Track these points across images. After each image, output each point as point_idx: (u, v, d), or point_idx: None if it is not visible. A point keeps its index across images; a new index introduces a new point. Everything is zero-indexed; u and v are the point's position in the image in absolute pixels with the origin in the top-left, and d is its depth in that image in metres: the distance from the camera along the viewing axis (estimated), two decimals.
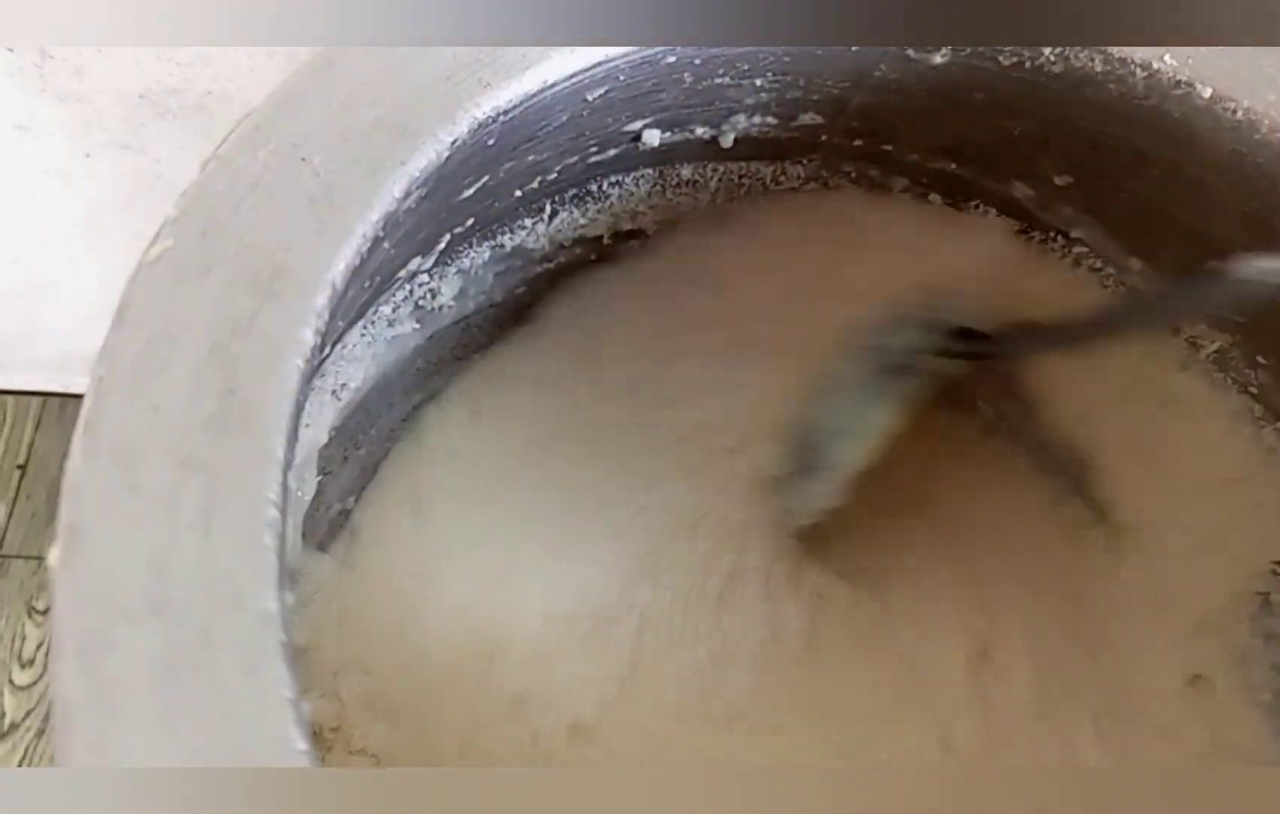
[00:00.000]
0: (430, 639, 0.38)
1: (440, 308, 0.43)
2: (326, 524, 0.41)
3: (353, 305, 0.32)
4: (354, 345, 0.40)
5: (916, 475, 0.47)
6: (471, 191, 0.36)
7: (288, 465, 0.24)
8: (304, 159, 0.27)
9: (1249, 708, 0.44)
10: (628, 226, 0.46)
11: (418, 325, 0.43)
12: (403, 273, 0.38)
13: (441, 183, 0.31)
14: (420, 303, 0.42)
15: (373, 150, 0.29)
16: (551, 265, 0.46)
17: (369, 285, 0.33)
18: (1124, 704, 0.42)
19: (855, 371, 0.42)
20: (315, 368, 0.36)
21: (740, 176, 0.47)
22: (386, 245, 0.29)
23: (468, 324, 0.45)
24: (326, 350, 0.34)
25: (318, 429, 0.40)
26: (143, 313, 0.24)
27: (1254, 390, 0.44)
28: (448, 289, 0.43)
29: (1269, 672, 0.44)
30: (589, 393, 0.46)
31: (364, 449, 0.43)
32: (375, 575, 0.40)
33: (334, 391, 0.40)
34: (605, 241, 0.46)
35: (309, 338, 0.25)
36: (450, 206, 0.36)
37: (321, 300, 0.26)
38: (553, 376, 0.47)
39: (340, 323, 0.32)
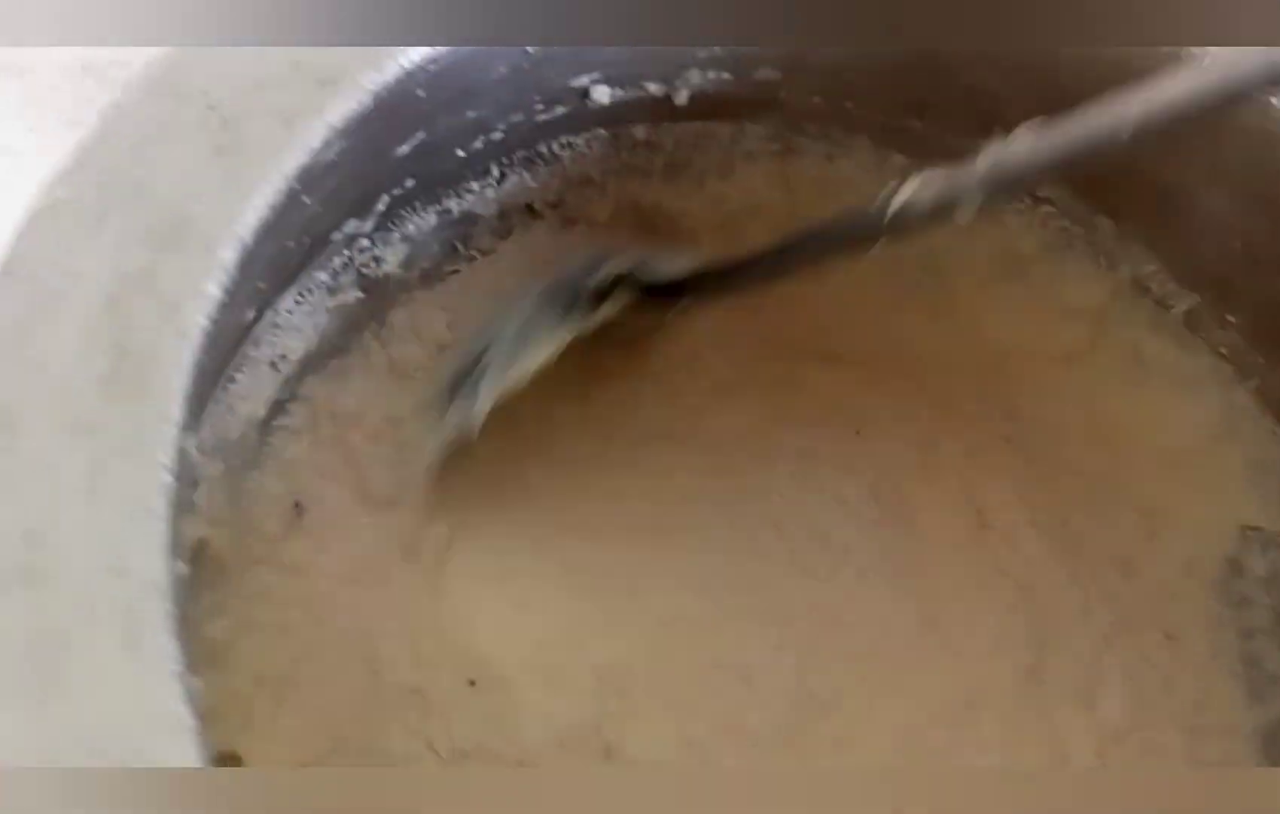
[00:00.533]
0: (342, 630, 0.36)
1: (386, 276, 0.42)
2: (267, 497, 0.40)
3: (279, 267, 0.31)
4: (291, 313, 0.38)
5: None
6: (408, 149, 0.35)
7: (187, 428, 0.22)
8: (211, 107, 0.26)
9: (1220, 674, 0.43)
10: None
11: (362, 294, 0.41)
12: (338, 236, 0.37)
13: (368, 136, 0.30)
14: (363, 270, 0.41)
15: (288, 99, 0.27)
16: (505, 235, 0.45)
17: (295, 246, 0.31)
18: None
19: (541, 297, 0.41)
20: (244, 334, 0.35)
21: (697, 137, 0.45)
22: (308, 201, 0.28)
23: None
24: (253, 316, 0.32)
25: (255, 402, 0.39)
26: (31, 266, 0.23)
27: (1224, 351, 0.43)
28: (392, 256, 0.41)
29: (1238, 637, 0.43)
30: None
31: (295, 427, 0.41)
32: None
33: (272, 362, 0.39)
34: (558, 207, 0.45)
35: (214, 293, 0.24)
36: (384, 164, 0.34)
37: (229, 255, 0.24)
38: None
39: (262, 284, 0.30)
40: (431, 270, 0.44)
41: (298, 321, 0.39)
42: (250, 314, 0.31)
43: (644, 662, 0.37)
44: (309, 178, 0.27)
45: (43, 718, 0.18)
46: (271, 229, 0.26)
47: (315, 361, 0.42)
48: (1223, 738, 0.41)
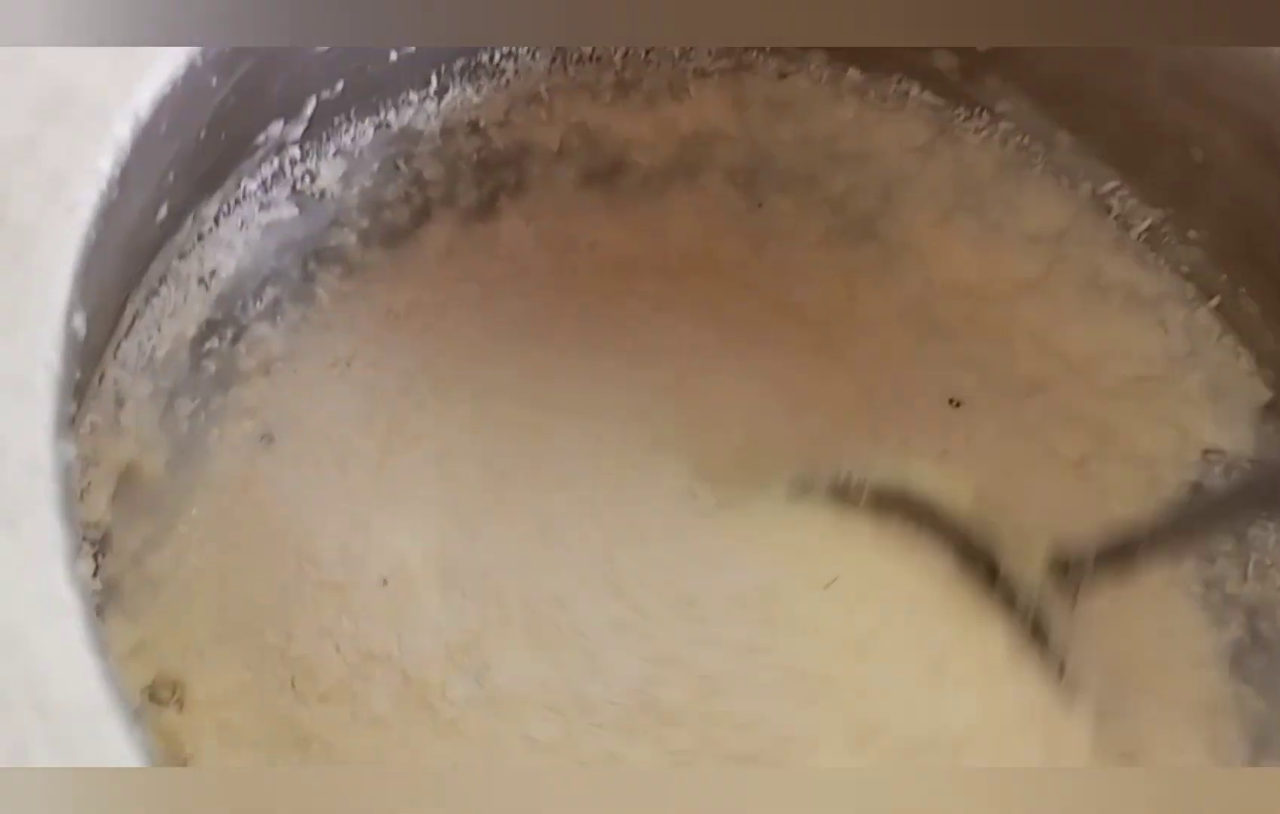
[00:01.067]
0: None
1: (321, 193, 0.40)
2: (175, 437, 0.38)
3: (193, 161, 0.29)
4: (221, 228, 0.37)
5: None
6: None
7: (73, 309, 0.21)
8: None
9: (1182, 598, 0.43)
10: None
11: (296, 211, 0.40)
12: (263, 138, 0.35)
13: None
14: (297, 185, 0.39)
15: None
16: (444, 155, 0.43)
17: (208, 138, 0.29)
18: None
19: None
20: (163, 238, 0.33)
21: (648, 53, 0.44)
22: (215, 83, 0.26)
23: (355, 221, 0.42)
24: (166, 213, 0.30)
25: (184, 320, 0.37)
26: None
27: (1185, 269, 0.42)
28: (327, 171, 0.40)
29: (1200, 562, 0.43)
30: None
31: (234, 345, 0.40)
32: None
33: (201, 279, 0.37)
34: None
35: (105, 168, 0.22)
36: (307, 59, 0.32)
37: (123, 130, 0.23)
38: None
39: (173, 176, 0.28)
40: (373, 192, 0.43)
41: (226, 235, 0.37)
42: (163, 211, 0.29)
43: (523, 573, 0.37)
44: (217, 59, 0.25)
45: None
46: (174, 110, 0.24)
47: (249, 285, 0.40)
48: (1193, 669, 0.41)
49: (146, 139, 0.23)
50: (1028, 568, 0.37)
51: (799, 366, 0.45)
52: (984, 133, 0.44)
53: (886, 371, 0.45)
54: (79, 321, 0.21)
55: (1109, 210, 0.43)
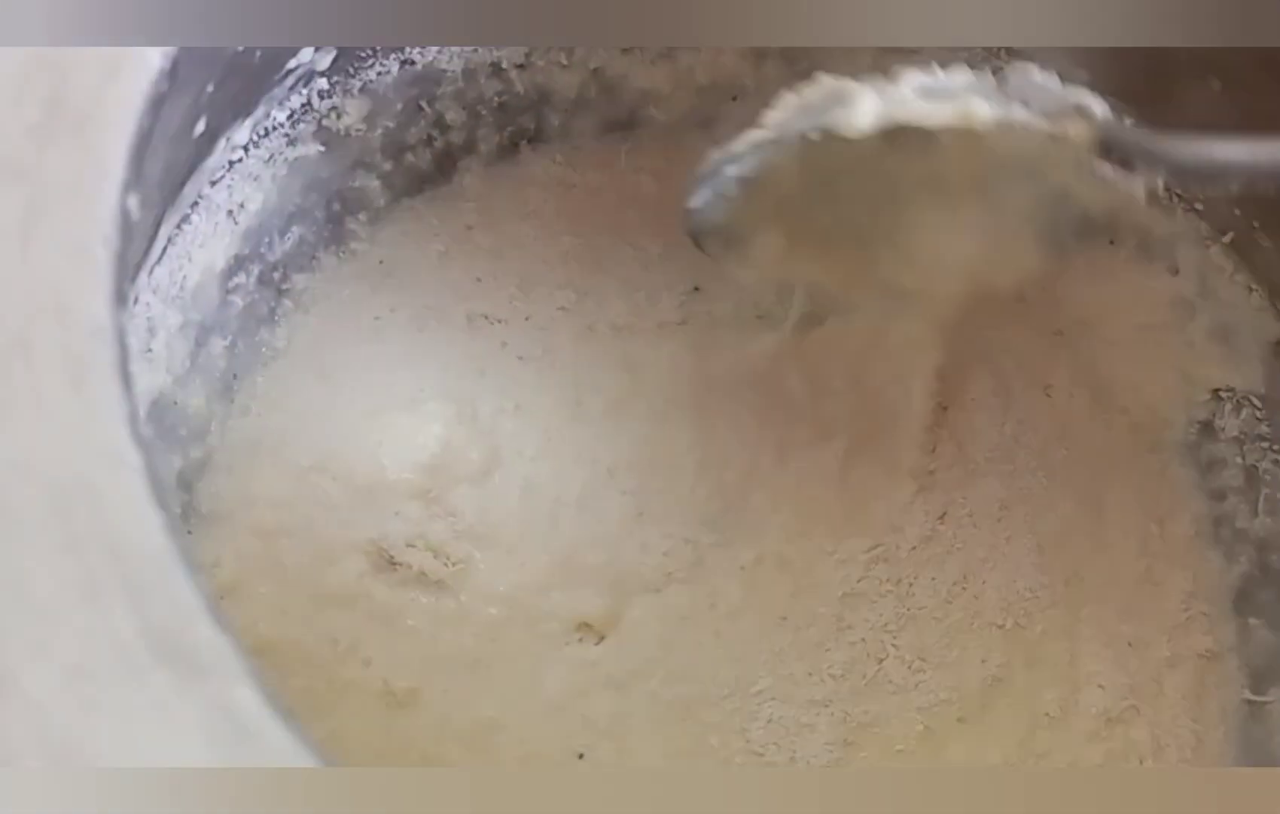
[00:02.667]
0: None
1: (346, 130, 0.40)
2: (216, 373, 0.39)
3: (226, 75, 0.29)
4: (250, 159, 0.37)
5: None
6: None
7: (128, 189, 0.21)
8: None
9: (1191, 537, 0.43)
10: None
11: (323, 148, 0.40)
12: (294, 63, 0.35)
13: None
14: (324, 122, 0.40)
15: None
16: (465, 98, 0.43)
17: (245, 56, 0.30)
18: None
19: None
20: (196, 157, 0.34)
21: None
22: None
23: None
24: (203, 130, 0.31)
25: (212, 251, 0.37)
26: None
27: (1199, 207, 0.43)
28: (353, 109, 0.40)
29: (1210, 499, 0.43)
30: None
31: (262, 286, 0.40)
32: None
33: (230, 212, 0.38)
34: None
35: (156, 61, 0.23)
36: None
37: None
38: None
39: (216, 93, 0.29)
40: (396, 134, 0.43)
41: (254, 168, 0.38)
42: (201, 125, 0.30)
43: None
44: None
45: None
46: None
47: (275, 222, 0.41)
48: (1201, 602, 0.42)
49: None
50: None
51: None
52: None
53: None
54: (133, 203, 0.21)
55: None
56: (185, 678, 0.17)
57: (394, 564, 0.36)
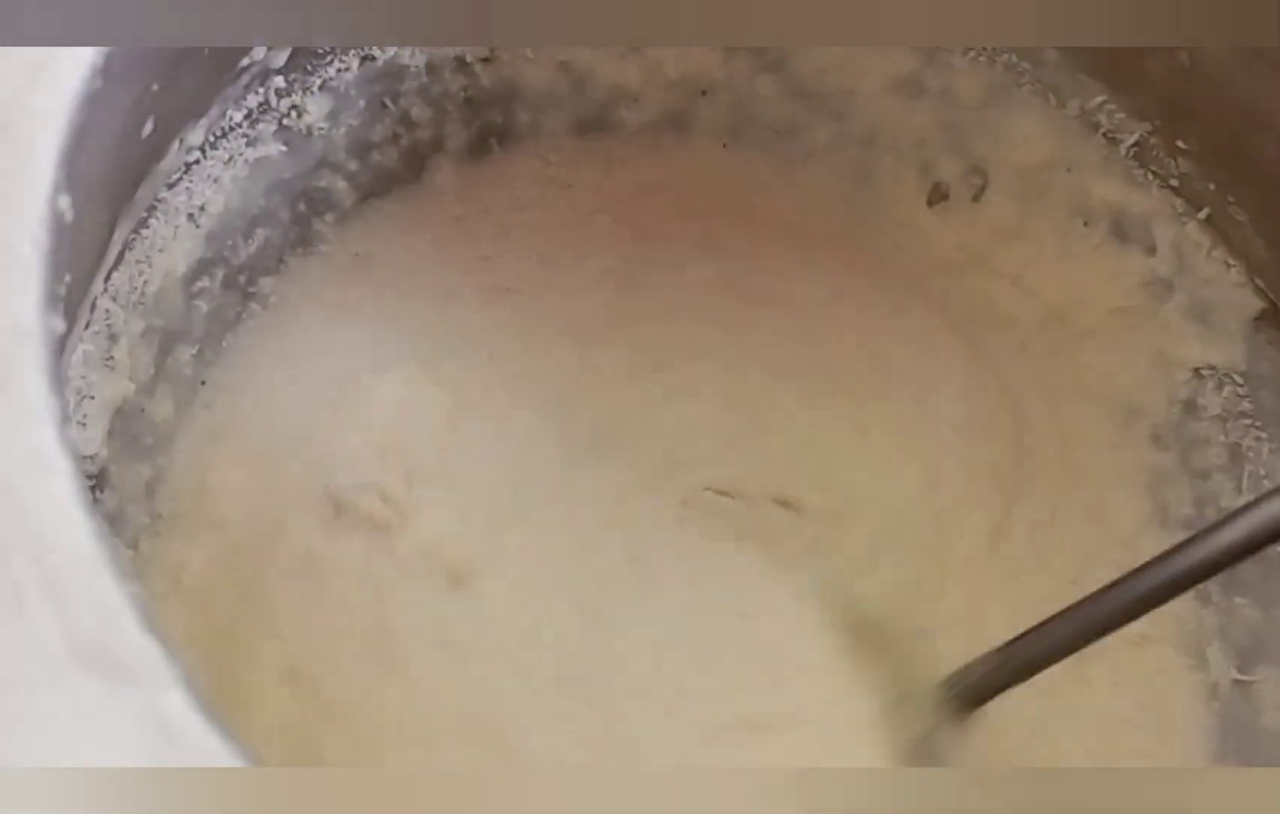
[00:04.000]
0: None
1: (308, 129, 0.40)
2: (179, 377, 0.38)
3: (181, 78, 0.29)
4: (209, 160, 0.36)
5: None
6: None
7: (59, 190, 0.21)
8: None
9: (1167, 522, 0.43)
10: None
11: (284, 148, 0.39)
12: (246, 61, 0.35)
13: None
14: (284, 121, 0.39)
15: None
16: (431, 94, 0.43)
17: (193, 53, 0.29)
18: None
19: None
20: (150, 159, 0.33)
21: None
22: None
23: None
24: (152, 129, 0.30)
25: (173, 255, 0.37)
26: None
27: (1174, 183, 0.42)
28: (314, 107, 0.40)
29: (1194, 478, 0.43)
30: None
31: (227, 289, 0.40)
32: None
33: (190, 215, 0.37)
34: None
35: (89, 56, 0.22)
36: None
37: None
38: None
39: (162, 94, 0.28)
40: (360, 132, 0.42)
41: (213, 169, 0.37)
42: (149, 126, 0.29)
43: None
44: None
45: None
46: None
47: (238, 224, 0.40)
48: None
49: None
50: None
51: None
52: (971, 54, 0.44)
53: None
54: (65, 204, 0.21)
55: (1096, 127, 0.43)
56: (112, 684, 0.17)
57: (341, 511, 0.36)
